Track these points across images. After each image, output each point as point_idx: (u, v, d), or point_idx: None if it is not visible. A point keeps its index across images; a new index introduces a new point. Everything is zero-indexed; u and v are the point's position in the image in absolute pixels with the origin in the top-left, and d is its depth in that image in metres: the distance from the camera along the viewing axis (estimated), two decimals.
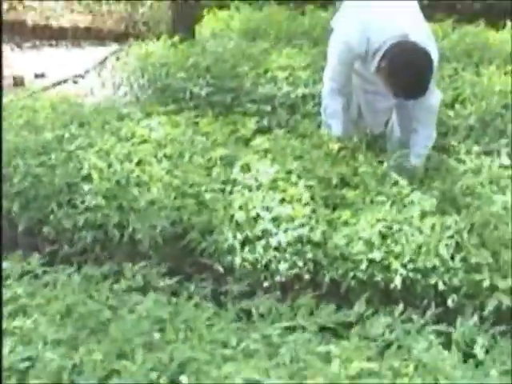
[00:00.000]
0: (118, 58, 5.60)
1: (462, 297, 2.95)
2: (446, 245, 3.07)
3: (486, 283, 2.90)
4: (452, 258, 3.04)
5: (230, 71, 5.09)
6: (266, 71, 5.15)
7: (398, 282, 3.01)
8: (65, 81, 6.24)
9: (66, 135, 3.82)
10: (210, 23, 6.97)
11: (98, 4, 8.14)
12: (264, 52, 5.56)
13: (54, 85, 6.06)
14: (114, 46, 7.37)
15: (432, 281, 2.99)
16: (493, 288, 2.91)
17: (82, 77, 6.33)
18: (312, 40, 6.16)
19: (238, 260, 3.18)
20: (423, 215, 3.25)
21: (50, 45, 7.37)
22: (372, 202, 3.38)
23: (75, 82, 6.19)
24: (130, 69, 5.21)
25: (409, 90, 3.52)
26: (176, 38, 5.69)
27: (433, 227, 3.17)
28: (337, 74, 3.92)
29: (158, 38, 5.84)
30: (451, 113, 4.54)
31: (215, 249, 3.24)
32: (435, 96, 3.86)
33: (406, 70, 3.46)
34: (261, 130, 4.33)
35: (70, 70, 6.52)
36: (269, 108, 4.82)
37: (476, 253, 3.02)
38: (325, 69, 4.07)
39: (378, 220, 3.22)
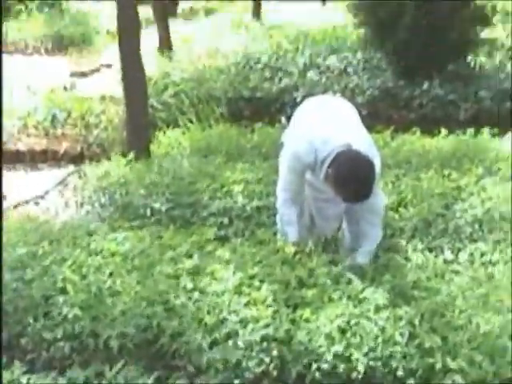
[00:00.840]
0: (80, 177, 5.92)
1: (418, 379, 3.27)
2: (401, 333, 3.42)
3: (439, 365, 3.23)
4: (407, 344, 3.38)
5: (187, 187, 5.46)
6: (221, 186, 5.52)
7: (360, 370, 3.31)
8: (26, 202, 6.47)
9: (39, 251, 4.12)
10: (163, 142, 7.41)
11: (52, 127, 8.52)
12: (218, 168, 5.97)
13: (16, 206, 6.29)
14: (71, 168, 7.69)
15: (391, 367, 3.31)
16: (446, 369, 3.24)
17: (43, 197, 6.58)
18: (262, 155, 6.62)
19: (208, 360, 3.44)
20: (377, 309, 3.60)
21: (8, 168, 7.63)
22: (330, 299, 3.72)
23: (36, 204, 6.44)
24: (91, 188, 5.56)
25: (354, 194, 3.92)
26: (132, 158, 6.07)
27: (387, 319, 3.52)
28: (289, 183, 4.33)
29: (111, 159, 6.20)
30: (396, 215, 4.96)
31: (186, 351, 3.51)
32: (380, 198, 4.30)
33: (351, 177, 3.85)
34: (220, 240, 4.67)
35: (30, 191, 6.76)
36: (226, 220, 5.16)
37: (428, 338, 3.37)
38: (278, 181, 4.49)
39: (337, 316, 3.56)
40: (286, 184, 4.35)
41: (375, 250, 4.32)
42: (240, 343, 3.48)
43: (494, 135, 7.15)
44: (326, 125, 4.14)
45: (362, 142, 4.08)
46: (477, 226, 4.80)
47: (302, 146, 4.14)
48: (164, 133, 7.75)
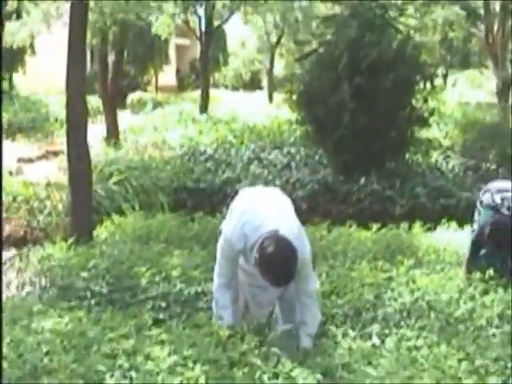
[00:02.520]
0: (21, 259, 6.03)
1: None
2: None
3: None
4: None
5: (127, 271, 5.62)
6: (160, 271, 5.69)
7: None
8: None
9: None
10: (105, 228, 7.58)
11: None
12: (158, 254, 6.16)
13: None
14: (13, 251, 7.78)
15: None
16: None
17: None
18: (201, 243, 6.84)
19: None
20: None
21: None
22: (260, 379, 3.89)
23: None
24: (32, 270, 5.69)
25: (277, 276, 4.14)
26: (74, 242, 6.23)
27: None
28: (223, 269, 4.55)
29: (55, 243, 6.36)
30: (328, 303, 5.18)
31: None
32: (313, 281, 4.54)
33: (273, 259, 4.08)
34: (157, 323, 4.83)
35: None
36: (164, 304, 5.32)
37: None
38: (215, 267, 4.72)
39: None
40: (221, 269, 4.57)
41: (316, 332, 4.52)
42: None
43: (426, 229, 7.50)
44: (258, 213, 4.40)
45: (290, 229, 4.31)
46: (405, 314, 5.04)
47: (233, 233, 4.39)
48: (107, 219, 7.92)
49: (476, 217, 6.24)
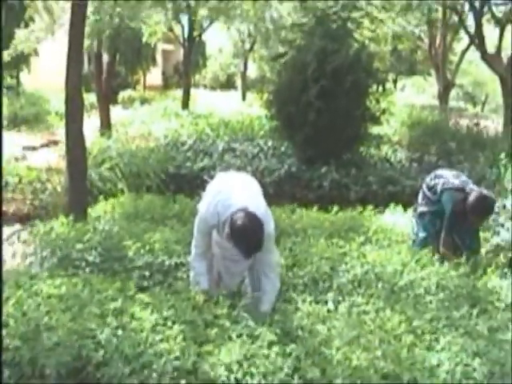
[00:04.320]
0: (26, 233, 6.00)
1: None
2: (288, 366, 3.65)
3: None
4: (292, 375, 3.61)
5: (116, 244, 5.61)
6: (145, 245, 5.69)
7: None
8: None
9: None
10: (99, 207, 7.56)
11: (4, 191, 8.59)
12: (143, 230, 6.15)
13: None
14: (18, 226, 7.76)
15: None
16: None
17: None
18: (182, 221, 6.85)
19: None
20: (269, 345, 3.83)
21: None
22: (230, 337, 3.93)
23: None
24: (36, 242, 5.67)
25: (247, 246, 4.19)
26: (71, 219, 6.20)
27: (277, 354, 3.75)
28: (199, 242, 4.60)
29: (55, 219, 6.33)
30: (290, 274, 5.22)
31: (108, 378, 3.64)
32: (275, 255, 4.58)
33: (243, 230, 4.13)
34: (142, 289, 4.84)
35: None
36: (148, 273, 5.32)
37: (310, 371, 3.61)
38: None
39: (236, 350, 3.76)
40: (197, 242, 4.62)
41: (275, 298, 4.56)
42: (153, 372, 3.63)
43: (376, 212, 7.57)
44: (229, 193, 4.44)
45: (258, 207, 4.36)
46: (356, 284, 5.09)
47: (207, 210, 4.44)
48: (100, 200, 7.90)
49: (420, 199, 6.33)
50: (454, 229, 5.94)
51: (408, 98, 30.68)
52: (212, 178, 9.43)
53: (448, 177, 6.08)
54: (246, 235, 4.16)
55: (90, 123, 12.94)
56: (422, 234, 6.24)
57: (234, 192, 4.45)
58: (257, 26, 26.07)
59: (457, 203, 5.86)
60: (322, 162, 10.24)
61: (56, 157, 11.63)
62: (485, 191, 6.00)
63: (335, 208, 7.41)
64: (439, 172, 6.29)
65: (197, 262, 4.62)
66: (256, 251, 4.25)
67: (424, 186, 6.29)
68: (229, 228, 4.22)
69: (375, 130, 11.86)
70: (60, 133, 14.81)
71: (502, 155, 10.17)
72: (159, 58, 37.61)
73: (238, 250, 4.24)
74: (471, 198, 5.78)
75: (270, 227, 4.35)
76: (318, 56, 10.42)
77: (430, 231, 6.17)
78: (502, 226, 6.74)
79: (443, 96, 22.01)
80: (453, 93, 27.71)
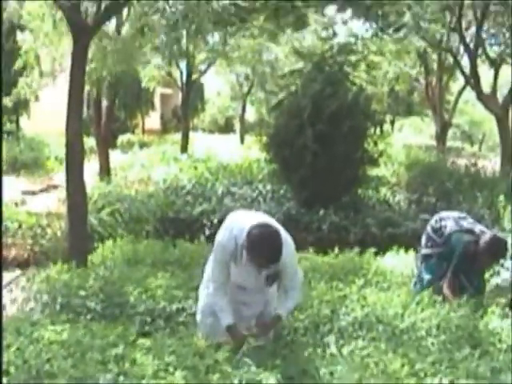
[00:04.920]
0: (28, 280, 6.03)
1: None
2: None
3: None
4: None
5: (118, 290, 5.65)
6: (146, 290, 5.72)
7: None
8: None
9: None
10: (99, 253, 7.60)
11: (4, 237, 8.63)
12: (144, 275, 6.19)
13: None
14: (18, 272, 7.80)
15: None
16: None
17: None
18: (182, 266, 6.87)
19: None
20: None
21: None
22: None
23: None
24: (36, 288, 5.70)
25: (265, 256, 4.12)
26: (72, 265, 6.24)
27: None
28: (217, 273, 4.48)
29: (55, 265, 6.37)
30: (291, 317, 5.22)
31: None
32: (299, 276, 4.59)
33: (261, 240, 4.08)
34: (144, 334, 4.87)
35: None
36: (149, 319, 5.34)
37: None
38: (203, 279, 4.74)
39: None
40: (215, 275, 4.51)
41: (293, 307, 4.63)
42: None
43: (376, 254, 7.62)
44: (245, 218, 4.42)
45: (274, 222, 4.37)
46: (357, 326, 5.11)
47: (223, 236, 4.39)
48: (100, 245, 7.95)
49: (424, 242, 6.32)
50: (462, 271, 5.94)
51: (406, 139, 30.91)
52: (211, 222, 9.62)
53: (455, 219, 6.10)
54: (263, 243, 4.09)
55: (90, 167, 13.03)
56: (427, 277, 6.19)
57: (249, 217, 4.44)
58: (254, 69, 26.46)
59: (467, 245, 5.86)
60: (321, 204, 10.29)
61: (56, 201, 11.70)
62: (497, 233, 6.05)
63: (334, 250, 7.46)
64: (444, 214, 6.29)
65: (217, 297, 4.49)
66: (274, 260, 4.16)
67: (429, 229, 6.29)
68: (245, 240, 4.16)
69: (373, 171, 11.96)
70: (59, 177, 14.90)
71: (501, 197, 10.24)
72: (157, 101, 37.96)
73: (257, 262, 4.17)
74: (484, 240, 5.78)
75: (289, 240, 4.37)
76: (314, 100, 10.56)
77: (436, 273, 6.12)
78: (502, 265, 6.78)
79: (441, 136, 22.21)
80: (450, 132, 27.93)
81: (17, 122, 25.36)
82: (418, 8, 11.30)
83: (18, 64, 14.46)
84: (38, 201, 13.18)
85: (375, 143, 11.42)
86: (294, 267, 4.47)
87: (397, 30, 15.52)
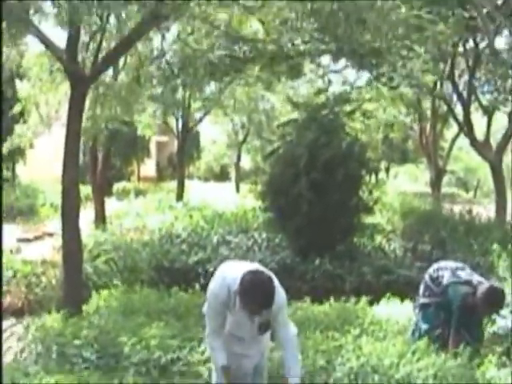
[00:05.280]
0: (23, 328, 6.02)
1: None
2: None
3: None
4: None
5: (112, 340, 5.65)
6: (141, 340, 5.72)
7: None
8: None
9: None
10: (93, 302, 7.59)
11: None
12: (139, 325, 6.19)
13: None
14: (12, 321, 7.77)
15: None
16: None
17: None
18: (177, 316, 6.85)
19: None
20: None
21: None
22: None
23: None
24: (30, 338, 5.69)
25: (258, 302, 4.10)
26: (66, 314, 6.24)
27: None
28: (211, 319, 4.49)
29: (50, 314, 6.37)
30: None
31: None
32: (292, 327, 4.52)
33: (252, 283, 4.09)
34: None
35: None
36: (144, 369, 5.32)
37: None
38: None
39: None
40: (209, 320, 4.51)
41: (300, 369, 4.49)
42: None
43: (371, 303, 7.63)
44: (237, 267, 4.42)
45: (267, 271, 4.35)
46: (352, 377, 5.11)
47: (216, 285, 4.41)
48: (95, 294, 7.95)
49: (422, 291, 6.32)
50: (462, 323, 5.93)
51: (401, 186, 31.07)
52: (207, 271, 9.62)
53: (453, 269, 6.12)
54: (256, 286, 4.10)
55: (85, 215, 13.08)
56: (424, 326, 6.16)
57: (242, 266, 4.45)
58: (250, 118, 26.73)
59: (465, 297, 5.87)
60: (316, 253, 10.31)
61: (51, 249, 11.72)
62: (495, 284, 6.09)
63: (330, 300, 7.48)
64: (442, 264, 6.31)
65: (212, 338, 4.51)
66: (266, 305, 4.16)
67: (427, 277, 6.29)
68: (239, 286, 4.17)
69: (368, 219, 12.00)
70: (54, 225, 14.94)
71: (495, 245, 10.29)
72: (153, 149, 38.19)
73: (249, 308, 4.17)
74: (482, 290, 5.79)
75: (281, 291, 4.35)
76: (309, 148, 10.69)
77: (433, 323, 6.10)
78: (498, 314, 6.78)
79: (435, 183, 22.36)
80: (445, 179, 28.12)
81: (13, 169, 25.49)
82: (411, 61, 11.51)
83: (16, 110, 14.63)
84: (33, 248, 13.19)
85: (370, 192, 11.49)
86: (285, 317, 4.46)
87: (390, 78, 15.80)
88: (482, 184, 37.77)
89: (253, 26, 10.89)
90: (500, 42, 17.01)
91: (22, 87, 16.89)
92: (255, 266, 4.55)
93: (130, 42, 8.13)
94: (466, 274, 6.08)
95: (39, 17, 7.49)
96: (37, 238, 15.29)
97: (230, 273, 4.39)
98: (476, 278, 6.06)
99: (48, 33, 7.63)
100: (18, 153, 23.27)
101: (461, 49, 16.14)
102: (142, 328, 6.08)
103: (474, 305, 5.82)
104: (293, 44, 10.21)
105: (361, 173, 11.34)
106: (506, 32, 15.12)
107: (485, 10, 10.94)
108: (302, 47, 10.34)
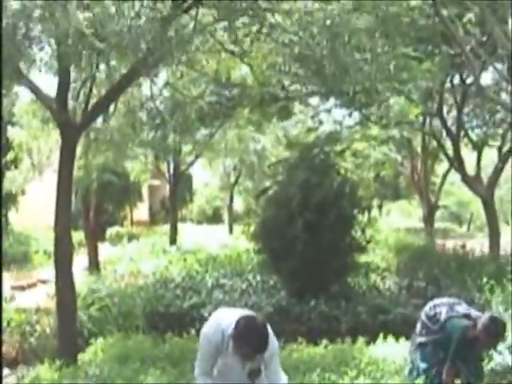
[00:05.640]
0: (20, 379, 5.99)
1: None
2: None
3: None
4: None
5: None
6: None
7: None
8: None
9: None
10: (90, 349, 7.56)
11: None
12: (134, 372, 6.17)
13: None
14: (6, 371, 7.70)
15: None
16: None
17: None
18: (172, 363, 6.82)
19: None
20: None
21: None
22: None
23: None
24: None
25: (252, 343, 4.11)
26: (61, 363, 6.21)
27: None
28: (202, 362, 4.47)
29: (44, 363, 6.33)
30: None
31: None
32: (283, 376, 4.54)
33: (246, 328, 4.11)
34: None
35: None
36: None
37: None
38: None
39: None
40: (200, 363, 4.49)
41: None
42: None
43: (367, 343, 7.61)
44: (232, 313, 4.42)
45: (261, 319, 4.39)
46: None
47: (209, 328, 4.41)
48: (90, 342, 7.92)
49: (419, 329, 6.28)
50: (460, 357, 5.92)
51: (394, 223, 31.16)
52: (202, 316, 9.58)
53: (450, 305, 6.12)
54: (251, 330, 4.13)
55: (79, 261, 13.08)
56: (422, 365, 6.09)
57: (237, 312, 4.48)
58: (241, 160, 26.87)
59: (465, 330, 5.84)
60: (311, 294, 10.29)
61: (45, 296, 11.68)
62: (495, 314, 6.08)
63: (325, 341, 7.46)
64: (438, 301, 6.29)
65: (202, 380, 4.50)
66: (260, 350, 4.16)
67: (423, 316, 6.26)
68: (233, 330, 4.19)
69: (362, 258, 12.01)
70: (48, 272, 14.91)
71: (487, 280, 10.30)
72: (146, 193, 38.21)
73: (243, 353, 4.18)
74: (483, 321, 5.76)
75: (274, 339, 4.35)
76: (301, 189, 10.74)
77: (431, 362, 6.04)
78: (496, 350, 6.77)
79: (428, 219, 22.43)
80: (438, 213, 28.23)
81: (5, 215, 25.45)
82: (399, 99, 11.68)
83: (10, 158, 14.73)
84: (26, 296, 13.17)
85: (363, 230, 11.53)
86: (276, 365, 4.47)
87: (381, 117, 16.00)
88: (475, 218, 37.89)
89: (242, 70, 11.04)
90: (487, 78, 17.19)
91: (14, 134, 17.03)
92: (250, 312, 4.58)
93: (121, 88, 8.24)
94: (463, 308, 6.08)
95: (29, 66, 7.58)
96: (30, 286, 15.26)
97: (225, 318, 4.40)
98: (474, 312, 6.06)
99: (38, 78, 7.75)
100: (10, 199, 23.28)
101: (448, 84, 16.34)
102: (137, 376, 6.06)
103: (475, 338, 5.77)
104: (282, 87, 10.35)
105: (353, 212, 11.39)
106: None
107: (469, 47, 11.11)
108: (290, 89, 10.47)
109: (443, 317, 5.99)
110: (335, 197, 10.83)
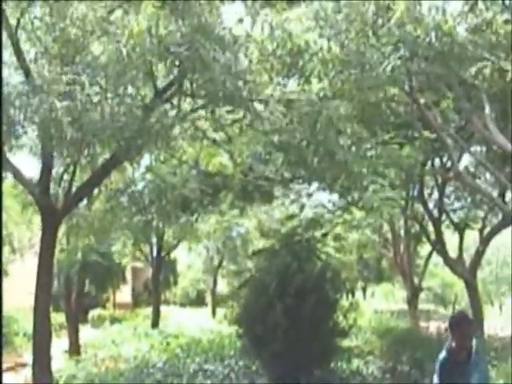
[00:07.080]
0: None
1: None
2: None
3: None
4: None
5: None
6: None
7: None
8: None
9: None
10: None
11: None
12: None
13: None
14: None
15: None
16: None
17: None
18: None
19: None
20: None
21: None
22: None
23: None
24: None
25: None
26: None
27: None
28: None
29: None
30: None
31: None
32: None
33: None
34: None
35: None
36: None
37: None
38: None
39: None
40: None
41: None
42: None
43: None
44: None
45: None
46: None
47: None
48: None
49: None
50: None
51: (378, 305, 31.01)
52: None
53: None
54: None
55: (60, 343, 12.89)
56: None
57: None
58: (225, 244, 26.90)
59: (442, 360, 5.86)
60: (293, 379, 10.18)
61: (23, 380, 11.47)
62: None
63: None
64: None
65: None
66: None
67: None
68: None
69: (345, 342, 11.92)
70: (28, 355, 14.69)
71: None
72: (129, 275, 37.92)
73: None
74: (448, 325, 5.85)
75: None
76: (280, 276, 10.77)
77: None
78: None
79: (412, 300, 22.27)
80: (422, 295, 28.07)
81: None
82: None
83: None
84: (5, 379, 12.87)
85: (345, 315, 11.49)
86: None
87: (360, 201, 16.10)
88: (459, 299, 37.74)
89: (223, 156, 11.18)
90: (467, 159, 17.48)
91: None
92: None
93: (104, 174, 8.33)
94: None
95: (14, 150, 7.67)
96: (9, 369, 14.94)
97: None
98: None
99: (20, 161, 7.82)
100: None
101: (429, 167, 16.56)
102: None
103: (452, 351, 5.83)
104: (266, 177, 10.49)
105: (335, 296, 11.38)
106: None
107: (446, 133, 11.35)
108: (271, 176, 10.61)
109: None
110: (315, 282, 10.86)
